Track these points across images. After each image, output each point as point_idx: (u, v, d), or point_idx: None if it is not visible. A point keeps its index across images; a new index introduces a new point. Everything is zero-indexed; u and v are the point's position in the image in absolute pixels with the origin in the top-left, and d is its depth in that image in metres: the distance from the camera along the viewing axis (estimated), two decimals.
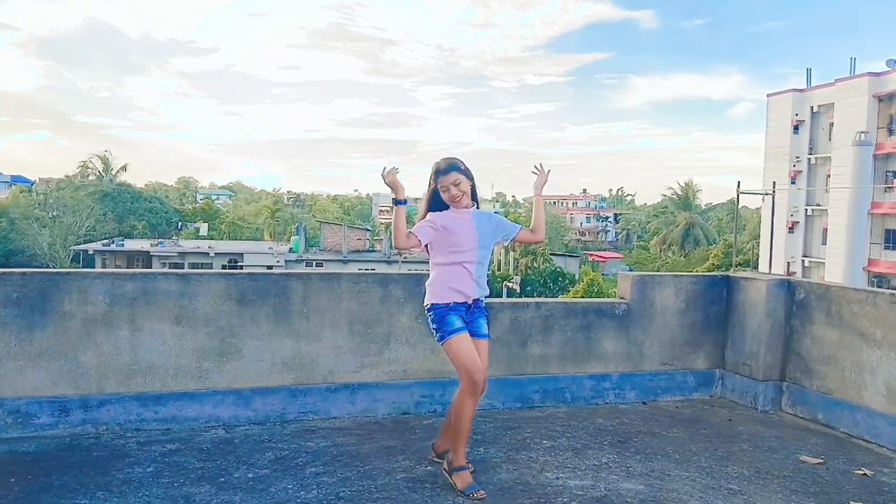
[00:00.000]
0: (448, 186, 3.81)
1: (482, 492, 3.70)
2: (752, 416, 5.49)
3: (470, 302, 3.84)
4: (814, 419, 5.35)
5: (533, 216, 4.09)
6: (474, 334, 3.83)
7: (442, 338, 3.77)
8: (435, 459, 4.11)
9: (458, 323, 3.77)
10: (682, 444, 4.71)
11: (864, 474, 4.28)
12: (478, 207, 3.97)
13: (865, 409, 4.95)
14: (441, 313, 3.79)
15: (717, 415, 5.48)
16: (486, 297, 3.96)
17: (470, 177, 3.87)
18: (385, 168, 3.70)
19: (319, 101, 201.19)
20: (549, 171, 4.13)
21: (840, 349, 5.16)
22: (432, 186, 3.86)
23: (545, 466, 4.20)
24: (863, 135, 33.74)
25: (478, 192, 3.95)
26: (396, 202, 3.73)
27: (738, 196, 32.58)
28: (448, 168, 3.83)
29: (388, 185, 3.74)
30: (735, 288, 5.92)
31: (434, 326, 3.82)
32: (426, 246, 3.86)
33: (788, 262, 38.35)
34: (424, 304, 3.90)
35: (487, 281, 4.02)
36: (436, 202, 3.87)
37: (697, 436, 4.92)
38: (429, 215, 3.85)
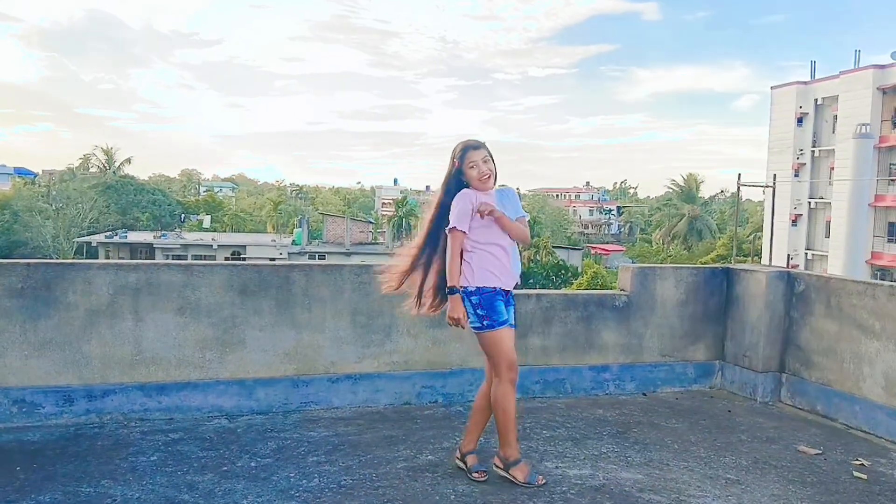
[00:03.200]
0: (477, 162, 3.70)
1: (542, 477, 3.79)
2: (751, 407, 5.52)
3: (509, 289, 3.79)
4: (813, 410, 5.38)
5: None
6: (512, 325, 3.81)
7: (491, 326, 3.67)
8: (458, 461, 3.95)
9: (505, 314, 3.72)
10: (681, 435, 4.75)
11: (862, 464, 4.32)
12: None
13: (864, 400, 4.98)
14: (489, 298, 3.67)
15: (717, 406, 5.51)
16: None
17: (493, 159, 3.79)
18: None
19: (322, 93, 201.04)
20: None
21: (839, 341, 5.18)
22: (456, 166, 3.73)
23: (545, 456, 4.23)
24: (862, 127, 33.60)
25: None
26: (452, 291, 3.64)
27: (738, 188, 32.61)
28: (478, 145, 3.76)
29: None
30: (735, 280, 5.94)
31: (481, 312, 3.66)
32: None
33: (789, 255, 38.23)
34: (462, 286, 3.68)
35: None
36: (457, 185, 3.74)
37: (696, 426, 4.96)
38: (464, 194, 3.68)
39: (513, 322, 3.82)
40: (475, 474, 3.79)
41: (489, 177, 3.74)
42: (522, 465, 3.77)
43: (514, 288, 3.87)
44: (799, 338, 5.53)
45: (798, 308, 5.56)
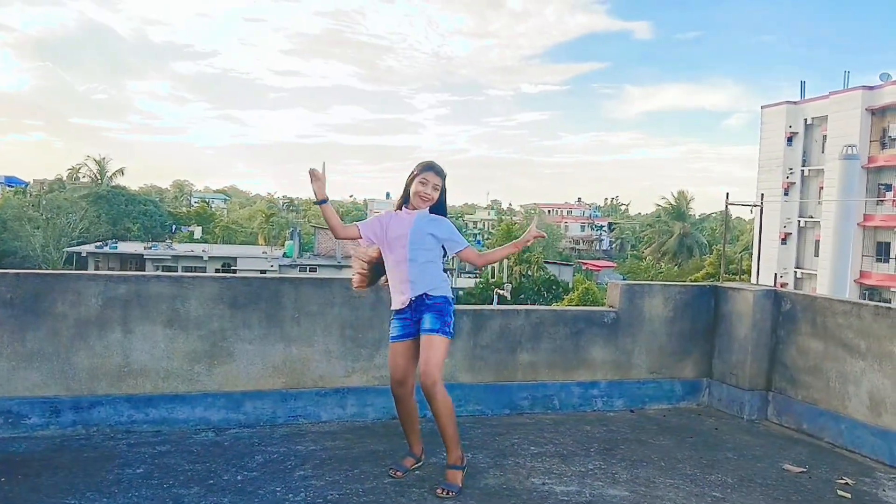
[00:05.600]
0: (427, 181, 3.95)
1: (398, 472, 4.04)
2: (737, 424, 5.55)
3: (408, 303, 3.94)
4: (799, 429, 5.41)
5: (498, 252, 4.25)
6: (421, 331, 3.93)
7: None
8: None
9: (395, 331, 4.01)
10: (668, 452, 4.77)
11: (846, 483, 4.34)
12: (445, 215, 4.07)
13: (849, 419, 5.01)
14: (392, 319, 4.07)
15: (704, 423, 5.54)
16: (435, 290, 3.94)
17: (443, 192, 4.02)
18: (316, 169, 3.85)
19: (316, 106, 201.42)
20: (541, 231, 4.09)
21: (825, 360, 5.22)
22: (414, 175, 3.99)
23: (532, 472, 4.24)
24: (849, 148, 33.87)
25: (446, 207, 4.09)
26: (318, 202, 3.91)
27: (726, 207, 32.76)
28: (439, 171, 4.01)
29: (314, 185, 3.84)
30: (723, 298, 5.98)
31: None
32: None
33: (775, 274, 38.40)
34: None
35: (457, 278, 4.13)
36: (406, 194, 4.02)
37: (683, 444, 4.98)
38: (383, 214, 4.06)
39: (428, 327, 3.88)
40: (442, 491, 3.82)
41: (426, 201, 3.97)
42: (408, 459, 4.14)
43: (426, 298, 3.93)
44: (785, 356, 5.57)
45: (784, 326, 5.61)
